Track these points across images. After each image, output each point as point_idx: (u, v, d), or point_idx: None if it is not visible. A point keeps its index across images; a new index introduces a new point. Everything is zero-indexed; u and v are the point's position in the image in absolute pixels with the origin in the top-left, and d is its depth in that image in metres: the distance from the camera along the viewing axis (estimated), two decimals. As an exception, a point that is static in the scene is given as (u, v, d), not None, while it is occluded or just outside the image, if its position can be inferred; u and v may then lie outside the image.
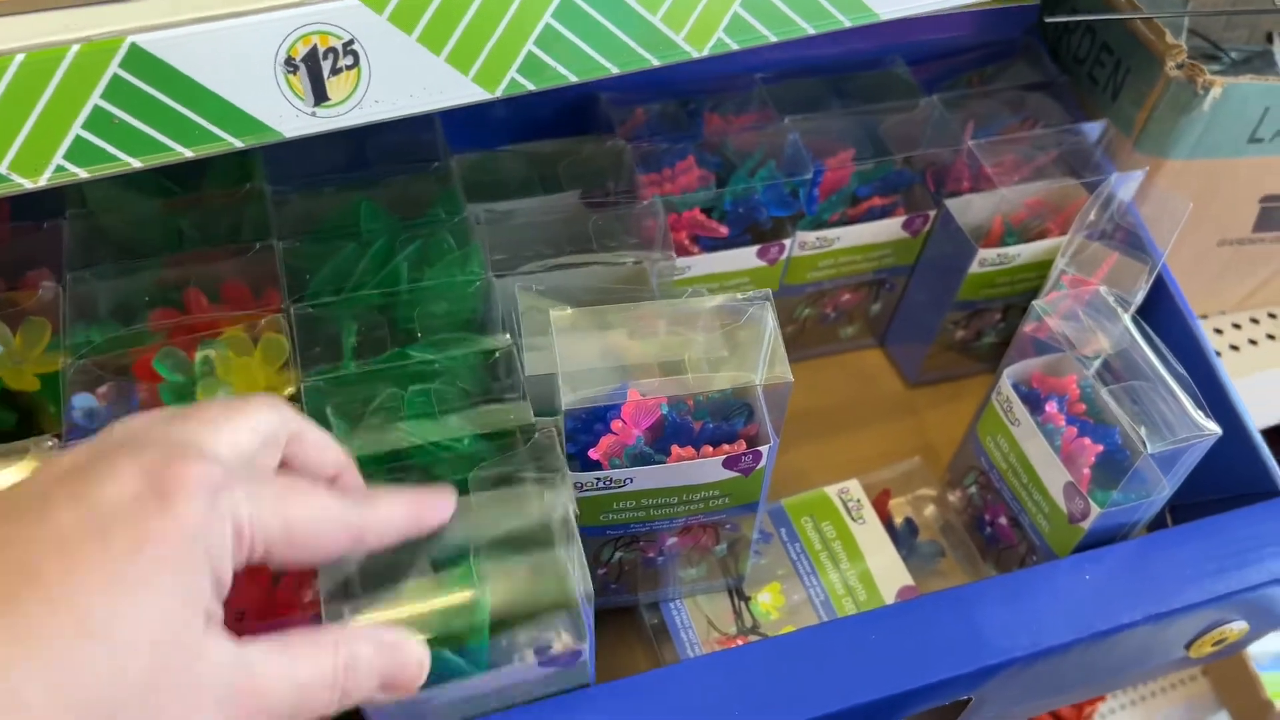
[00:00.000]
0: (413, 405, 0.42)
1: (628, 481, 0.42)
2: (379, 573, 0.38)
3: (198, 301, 0.45)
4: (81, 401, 0.41)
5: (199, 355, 0.42)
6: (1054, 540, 0.48)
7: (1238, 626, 0.47)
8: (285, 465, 0.33)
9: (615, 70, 0.37)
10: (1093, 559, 0.46)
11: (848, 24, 0.40)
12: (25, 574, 0.25)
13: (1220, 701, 1.16)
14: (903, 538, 0.54)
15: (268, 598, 0.39)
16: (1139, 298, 0.50)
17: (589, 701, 0.40)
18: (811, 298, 0.60)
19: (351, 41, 0.33)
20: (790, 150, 0.53)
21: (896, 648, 0.42)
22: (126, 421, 0.30)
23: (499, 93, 0.36)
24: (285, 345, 0.43)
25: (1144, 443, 0.43)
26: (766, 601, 0.51)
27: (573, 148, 0.53)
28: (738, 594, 0.51)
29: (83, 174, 0.32)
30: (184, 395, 0.41)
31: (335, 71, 0.33)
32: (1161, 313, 0.53)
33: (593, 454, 0.42)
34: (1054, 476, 0.46)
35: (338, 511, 0.31)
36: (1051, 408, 0.47)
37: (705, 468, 0.42)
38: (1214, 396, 0.49)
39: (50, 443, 0.39)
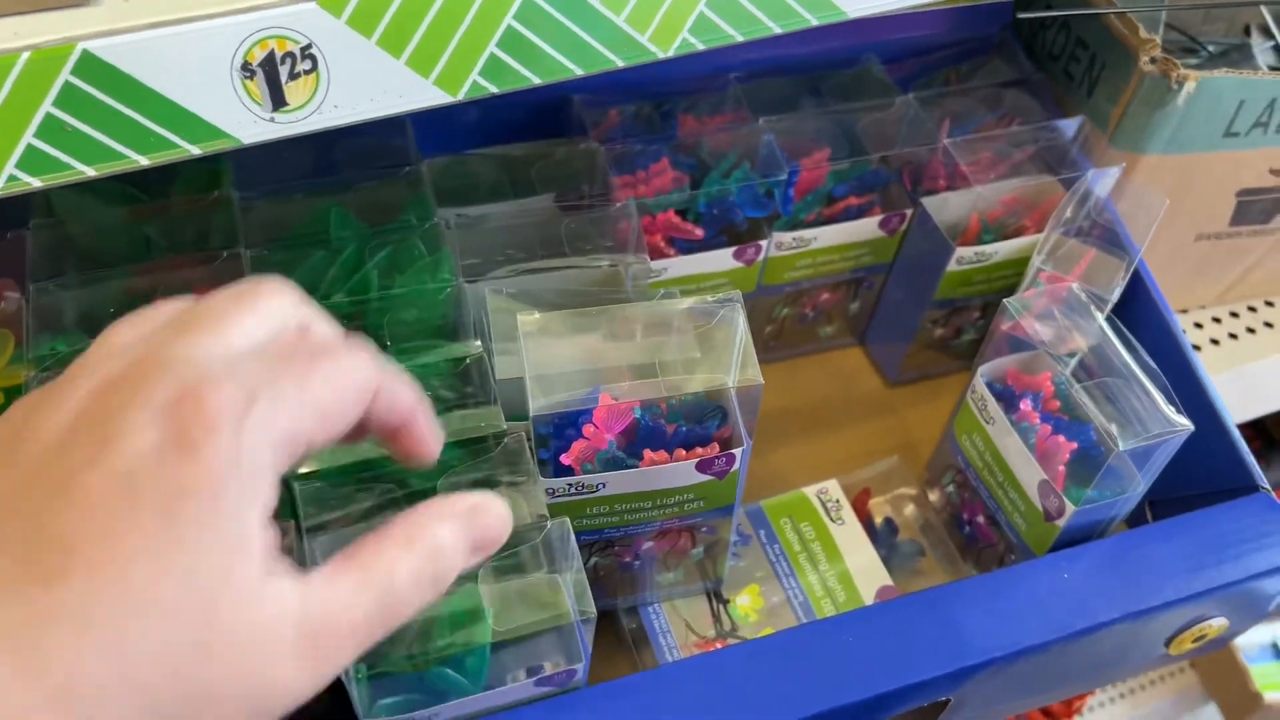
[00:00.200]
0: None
1: (600, 487, 0.41)
2: None
3: (165, 310, 0.44)
4: (46, 413, 0.40)
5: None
6: (1031, 538, 0.48)
7: (1217, 623, 0.47)
8: None
9: (580, 72, 0.37)
10: (1070, 557, 0.45)
11: (815, 22, 0.39)
12: (62, 549, 0.23)
13: (1209, 693, 1.16)
14: (882, 538, 0.54)
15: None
16: (1116, 294, 0.50)
17: (565, 707, 0.40)
18: (790, 298, 0.60)
19: (309, 46, 0.32)
20: (765, 151, 0.53)
21: (874, 650, 0.42)
22: (120, 333, 0.27)
23: (461, 96, 0.35)
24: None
25: (1116, 440, 0.43)
26: (745, 604, 0.50)
27: (545, 150, 0.53)
28: (716, 597, 0.50)
29: (36, 183, 0.31)
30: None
31: (293, 76, 0.33)
32: (1139, 308, 0.53)
33: (565, 459, 0.41)
34: (1029, 474, 0.46)
35: (357, 372, 0.28)
36: (1026, 405, 0.46)
37: (678, 472, 0.42)
38: (1191, 392, 0.49)
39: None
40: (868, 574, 0.51)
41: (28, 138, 0.31)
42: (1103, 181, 0.53)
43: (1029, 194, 0.56)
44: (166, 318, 0.28)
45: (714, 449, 0.42)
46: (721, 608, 0.50)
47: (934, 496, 0.56)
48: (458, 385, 0.44)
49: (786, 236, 0.55)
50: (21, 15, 0.30)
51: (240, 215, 0.48)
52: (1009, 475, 0.48)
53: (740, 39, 0.38)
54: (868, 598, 0.50)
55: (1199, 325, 0.71)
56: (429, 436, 0.30)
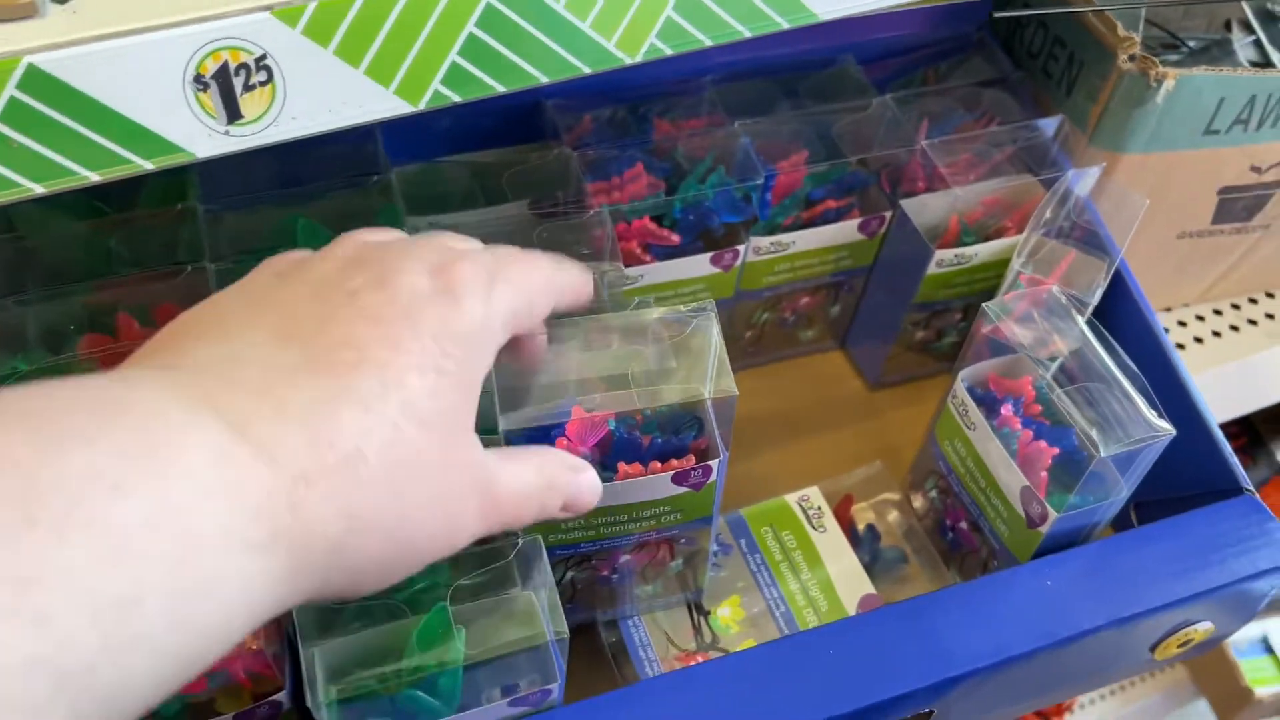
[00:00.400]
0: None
1: None
2: (355, 611, 0.38)
3: (130, 327, 0.44)
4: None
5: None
6: (1014, 545, 0.47)
7: (1203, 627, 0.47)
8: None
9: (545, 80, 0.36)
10: (1053, 564, 0.45)
11: (786, 26, 0.39)
12: (353, 348, 0.28)
13: (1199, 689, 1.16)
14: (865, 545, 0.53)
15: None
16: (1097, 295, 0.50)
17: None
18: (769, 302, 0.59)
19: (264, 57, 0.32)
20: (741, 155, 0.52)
21: (855, 663, 0.41)
22: (361, 233, 0.33)
23: (423, 105, 0.34)
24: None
25: (1098, 445, 0.43)
26: (726, 615, 0.50)
27: (517, 157, 0.52)
28: (697, 609, 0.50)
29: (-17, 201, 0.30)
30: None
31: (248, 88, 0.32)
32: (1120, 310, 0.53)
33: None
34: (1011, 480, 0.46)
35: (553, 270, 0.35)
36: (1007, 410, 0.46)
37: (655, 485, 0.41)
38: (1173, 395, 0.48)
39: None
40: (850, 582, 0.50)
41: (-28, 155, 0.30)
42: (1083, 181, 0.52)
43: (1009, 195, 0.55)
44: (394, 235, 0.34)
45: (690, 460, 0.41)
46: (702, 619, 0.49)
47: (917, 502, 0.55)
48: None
49: (764, 241, 0.54)
50: (-37, 29, 0.29)
51: (207, 227, 0.47)
52: (991, 481, 0.47)
53: (709, 43, 0.38)
54: (850, 606, 0.49)
55: (1183, 323, 0.71)
56: (588, 291, 0.38)
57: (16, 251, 0.45)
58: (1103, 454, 0.42)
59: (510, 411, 0.39)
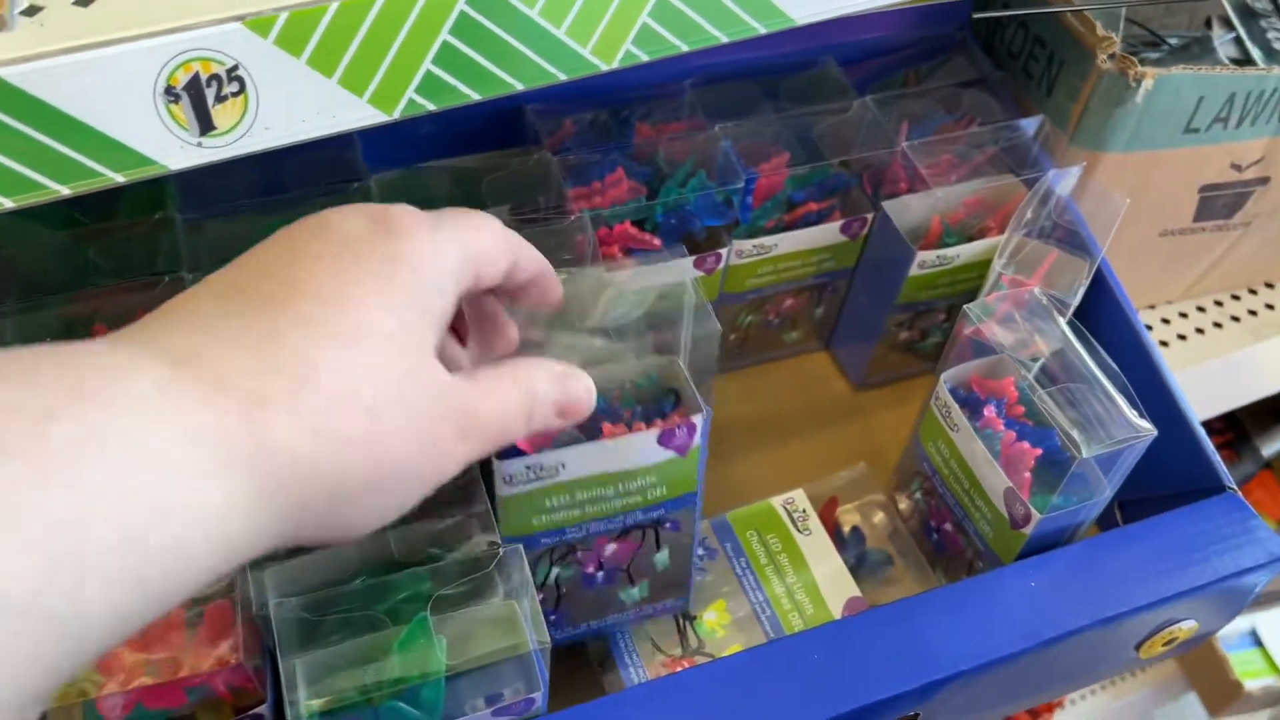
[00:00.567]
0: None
1: (560, 469, 0.40)
2: (336, 623, 0.37)
3: (107, 337, 0.43)
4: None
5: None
6: (998, 546, 0.47)
7: (1187, 625, 0.47)
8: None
9: (521, 87, 0.36)
10: (1038, 565, 0.45)
11: (763, 30, 0.38)
12: (295, 285, 0.28)
13: (1189, 683, 1.16)
14: (850, 547, 0.53)
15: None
16: (1078, 297, 0.50)
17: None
18: (753, 304, 0.59)
19: (236, 67, 0.31)
20: (722, 158, 0.52)
21: (840, 667, 0.41)
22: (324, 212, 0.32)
23: (397, 114, 0.34)
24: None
25: (1080, 446, 0.43)
26: (712, 619, 0.49)
27: (498, 162, 0.52)
28: (682, 614, 0.50)
29: (-48, 217, 0.30)
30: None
31: (220, 99, 0.32)
32: (1102, 309, 0.53)
33: (521, 443, 0.40)
34: (994, 481, 0.46)
35: (503, 230, 0.34)
36: (990, 411, 0.46)
37: (640, 446, 0.40)
38: (1156, 394, 0.48)
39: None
40: (835, 585, 0.50)
41: (-60, 170, 0.29)
42: (1064, 181, 0.52)
43: (990, 195, 0.55)
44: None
45: (674, 419, 0.41)
46: (688, 624, 0.49)
47: (902, 504, 0.55)
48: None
49: (746, 244, 0.54)
50: (-71, 43, 0.29)
51: (186, 236, 0.46)
52: (975, 483, 0.47)
53: (686, 49, 0.37)
54: (835, 609, 0.49)
55: (1166, 321, 0.71)
56: (555, 285, 0.37)
57: (-6, 263, 0.45)
58: (1085, 455, 0.42)
59: None
